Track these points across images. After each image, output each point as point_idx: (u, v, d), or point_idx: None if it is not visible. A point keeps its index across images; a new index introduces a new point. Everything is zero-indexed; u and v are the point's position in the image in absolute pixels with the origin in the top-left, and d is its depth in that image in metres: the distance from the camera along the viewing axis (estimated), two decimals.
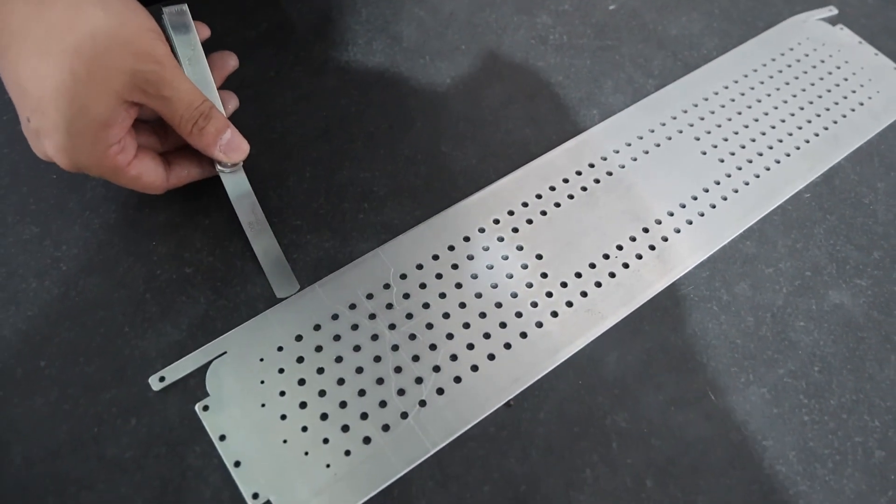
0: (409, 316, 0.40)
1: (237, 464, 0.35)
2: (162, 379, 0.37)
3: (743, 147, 0.49)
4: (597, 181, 0.46)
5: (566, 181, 0.46)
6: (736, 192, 0.47)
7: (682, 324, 0.41)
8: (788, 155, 0.49)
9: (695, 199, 0.46)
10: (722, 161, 0.48)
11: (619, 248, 0.43)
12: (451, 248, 0.43)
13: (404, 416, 0.37)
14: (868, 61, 0.55)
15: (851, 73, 0.54)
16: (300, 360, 0.38)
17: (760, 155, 0.49)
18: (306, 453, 0.35)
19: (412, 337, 0.39)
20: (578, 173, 0.46)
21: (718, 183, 0.47)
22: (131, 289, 0.40)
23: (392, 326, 0.39)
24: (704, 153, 0.48)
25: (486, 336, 0.40)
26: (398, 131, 0.47)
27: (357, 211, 0.43)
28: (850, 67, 0.55)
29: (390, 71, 0.50)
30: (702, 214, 0.45)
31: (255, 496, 0.34)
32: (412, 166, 0.46)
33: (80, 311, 0.39)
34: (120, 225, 0.42)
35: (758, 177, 0.47)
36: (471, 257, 0.42)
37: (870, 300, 0.43)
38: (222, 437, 0.35)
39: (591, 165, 0.47)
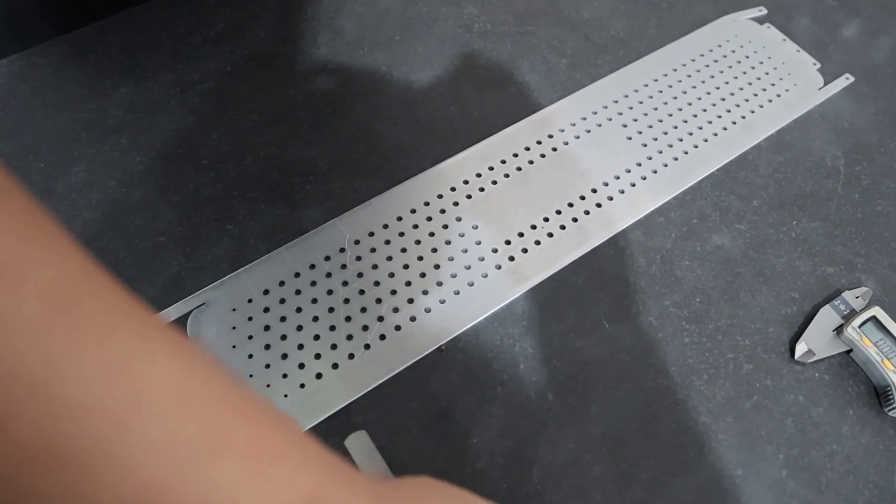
0: (360, 275, 0.46)
1: None
2: None
3: (665, 133, 0.55)
4: (531, 162, 0.52)
5: (503, 162, 0.52)
6: (655, 172, 0.53)
7: (583, 266, 0.48)
8: (706, 140, 0.54)
9: (617, 178, 0.52)
10: (645, 145, 0.54)
11: (546, 220, 0.50)
12: (399, 218, 0.49)
13: (351, 356, 0.43)
14: (789, 57, 0.60)
15: (773, 68, 0.59)
16: (266, 310, 0.44)
17: (681, 140, 0.54)
18: (268, 385, 0.42)
19: (361, 292, 0.46)
20: (515, 155, 0.52)
21: (640, 164, 0.53)
22: (113, 256, 0.46)
23: (345, 283, 0.46)
24: (630, 138, 0.54)
25: (425, 293, 0.46)
26: (340, 114, 0.54)
27: (305, 183, 0.50)
28: (773, 63, 0.60)
29: (333, 62, 0.57)
30: (622, 192, 0.51)
31: None
32: (352, 143, 0.52)
33: None
34: (101, 204, 0.49)
35: (676, 159, 0.53)
36: (416, 226, 0.48)
37: (747, 241, 0.50)
38: None
39: (527, 149, 0.53)
